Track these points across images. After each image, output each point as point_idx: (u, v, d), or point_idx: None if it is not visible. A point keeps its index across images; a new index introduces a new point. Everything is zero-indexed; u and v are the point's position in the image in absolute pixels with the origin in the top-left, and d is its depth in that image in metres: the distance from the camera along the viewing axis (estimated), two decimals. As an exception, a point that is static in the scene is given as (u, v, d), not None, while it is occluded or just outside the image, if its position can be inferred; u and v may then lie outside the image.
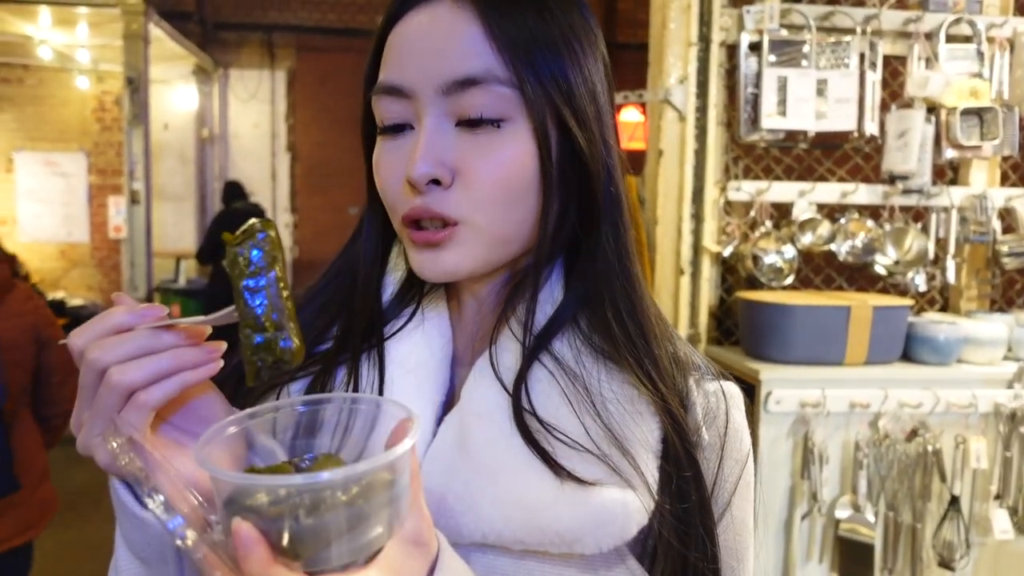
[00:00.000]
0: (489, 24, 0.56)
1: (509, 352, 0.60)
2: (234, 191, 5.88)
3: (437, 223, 0.58)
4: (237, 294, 0.47)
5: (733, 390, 0.65)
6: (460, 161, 0.57)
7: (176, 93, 7.27)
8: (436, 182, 0.57)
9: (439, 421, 0.61)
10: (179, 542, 0.42)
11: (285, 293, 0.47)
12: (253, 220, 0.48)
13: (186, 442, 0.52)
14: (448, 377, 0.64)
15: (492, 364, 0.60)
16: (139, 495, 0.48)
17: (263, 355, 0.47)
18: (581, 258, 0.61)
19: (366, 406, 0.50)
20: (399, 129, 0.59)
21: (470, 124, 0.57)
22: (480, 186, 0.57)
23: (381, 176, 0.61)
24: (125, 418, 0.46)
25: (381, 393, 0.61)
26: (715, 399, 0.63)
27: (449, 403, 0.63)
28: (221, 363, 0.50)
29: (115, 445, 0.45)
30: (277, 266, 0.47)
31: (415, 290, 0.67)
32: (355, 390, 0.61)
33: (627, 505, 0.55)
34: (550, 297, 0.62)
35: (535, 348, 0.59)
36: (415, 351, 0.63)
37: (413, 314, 0.66)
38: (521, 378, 0.58)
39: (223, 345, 0.50)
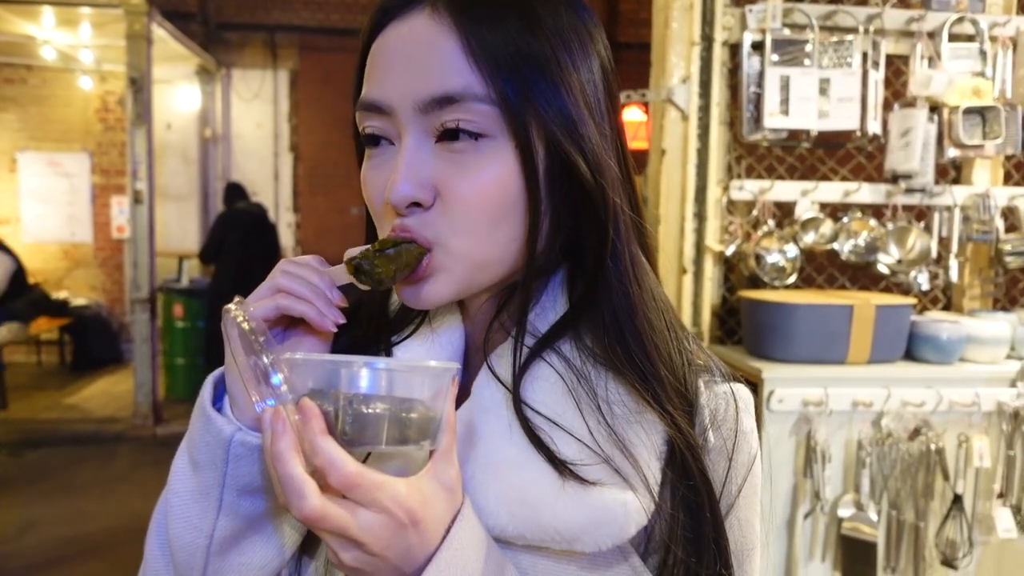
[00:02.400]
0: (467, 38, 0.54)
1: (508, 354, 0.61)
2: (235, 192, 5.89)
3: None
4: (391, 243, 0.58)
5: (743, 393, 0.64)
6: (440, 180, 0.56)
7: (179, 93, 7.28)
8: (417, 204, 0.56)
9: None
10: (281, 384, 0.51)
11: (402, 259, 0.57)
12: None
13: None
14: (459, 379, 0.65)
15: (489, 364, 0.61)
16: (217, 404, 0.60)
17: (371, 261, 0.56)
18: (584, 271, 0.61)
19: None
20: (382, 144, 0.59)
21: (449, 138, 0.55)
22: (459, 207, 0.56)
23: (368, 192, 0.61)
24: (263, 302, 0.57)
25: None
26: (724, 402, 0.62)
27: (459, 404, 0.63)
28: (332, 328, 0.58)
29: (239, 314, 0.55)
30: (411, 257, 0.58)
31: None
32: None
33: (627, 505, 0.55)
34: (552, 305, 0.62)
35: (538, 347, 0.59)
36: (425, 353, 0.65)
37: (422, 319, 0.67)
38: (520, 374, 0.59)
39: (341, 319, 0.59)
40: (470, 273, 0.58)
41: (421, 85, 0.55)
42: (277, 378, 0.51)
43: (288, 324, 0.60)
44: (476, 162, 0.55)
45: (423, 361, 0.53)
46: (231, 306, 0.56)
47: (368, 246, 0.57)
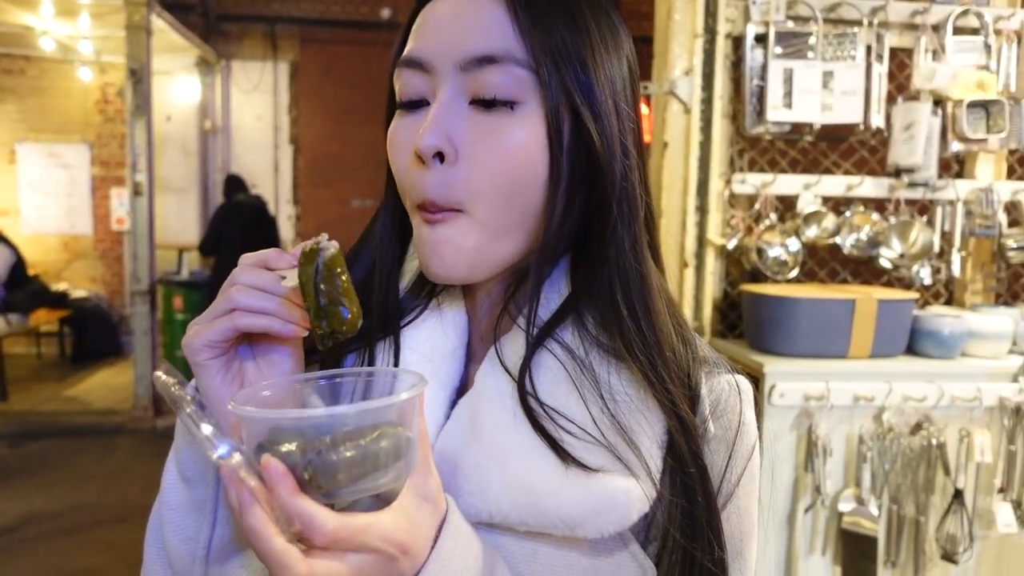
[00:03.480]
0: (514, 8, 0.58)
1: (515, 343, 0.61)
2: (235, 184, 5.88)
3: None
4: (308, 281, 0.54)
5: (744, 384, 0.66)
6: (469, 140, 0.58)
7: (179, 85, 7.26)
8: (441, 156, 0.57)
9: (452, 405, 0.63)
10: (223, 464, 0.47)
11: (343, 276, 0.54)
12: (320, 243, 0.54)
13: (249, 372, 0.59)
14: (462, 366, 0.66)
15: (498, 353, 0.61)
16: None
17: (321, 323, 0.54)
18: (591, 255, 0.61)
19: (382, 377, 0.55)
20: (416, 105, 0.61)
21: (484, 104, 0.58)
22: (484, 167, 0.57)
23: (394, 150, 0.62)
24: (219, 323, 0.55)
25: None
26: (726, 393, 0.64)
27: (462, 391, 0.64)
28: (304, 333, 0.57)
29: (170, 381, 0.52)
30: (337, 266, 0.54)
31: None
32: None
33: (629, 492, 0.56)
34: (556, 292, 0.62)
35: (539, 336, 0.60)
36: (430, 338, 0.65)
37: (428, 302, 0.67)
38: (525, 364, 0.59)
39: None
40: (489, 241, 0.59)
41: (464, 44, 0.57)
42: (224, 448, 0.47)
43: (253, 337, 0.59)
44: (506, 124, 0.57)
45: (393, 396, 0.49)
46: (159, 374, 0.53)
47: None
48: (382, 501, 0.49)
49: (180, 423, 0.60)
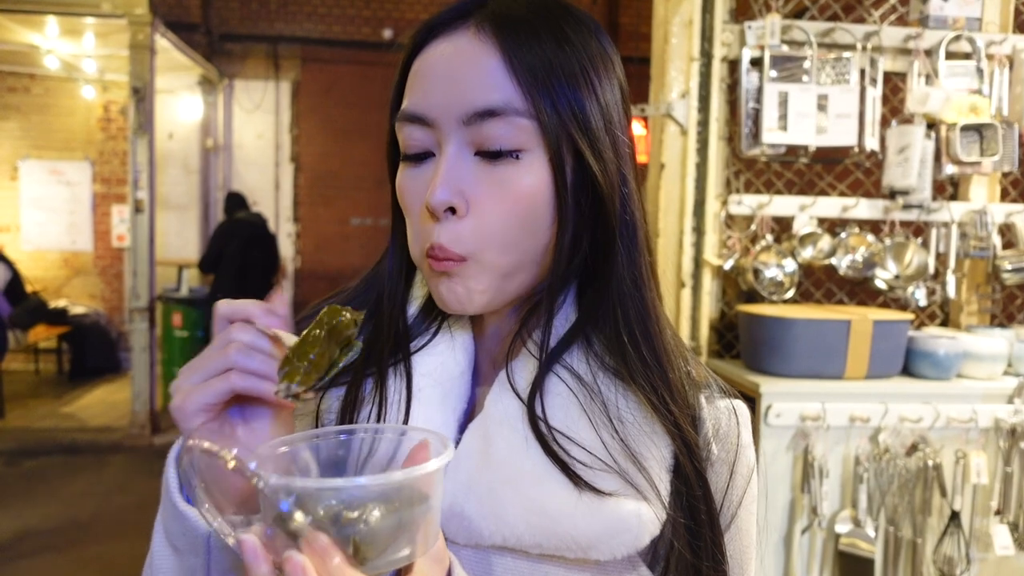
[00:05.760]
0: (509, 56, 0.57)
1: (526, 368, 0.62)
2: (236, 202, 5.91)
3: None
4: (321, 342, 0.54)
5: (742, 408, 0.68)
6: (477, 191, 0.58)
7: (181, 103, 7.31)
8: (452, 210, 0.58)
9: (461, 430, 0.64)
10: (247, 544, 0.45)
11: (346, 319, 0.54)
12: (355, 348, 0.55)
13: (242, 435, 0.56)
14: (469, 391, 0.67)
15: (509, 378, 0.62)
16: (184, 490, 0.56)
17: (331, 371, 0.54)
18: (595, 282, 0.63)
19: (390, 434, 0.54)
20: (422, 157, 0.61)
21: (490, 156, 0.58)
22: (493, 218, 0.58)
23: (405, 201, 0.63)
24: (215, 383, 0.53)
25: (409, 402, 0.63)
26: (726, 417, 0.66)
27: (470, 415, 0.65)
28: (296, 403, 0.54)
29: (185, 459, 0.51)
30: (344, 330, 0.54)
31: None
32: (382, 400, 0.63)
33: (641, 516, 0.57)
34: (564, 318, 0.64)
35: (548, 361, 0.61)
36: (441, 363, 0.66)
37: (439, 329, 0.68)
38: (535, 389, 0.60)
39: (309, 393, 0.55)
40: (498, 282, 0.60)
41: (465, 99, 0.58)
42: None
43: (243, 397, 0.56)
44: (513, 174, 0.58)
45: (427, 465, 0.47)
46: (192, 442, 0.50)
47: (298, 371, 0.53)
48: (402, 569, 0.49)
49: (164, 487, 0.58)
